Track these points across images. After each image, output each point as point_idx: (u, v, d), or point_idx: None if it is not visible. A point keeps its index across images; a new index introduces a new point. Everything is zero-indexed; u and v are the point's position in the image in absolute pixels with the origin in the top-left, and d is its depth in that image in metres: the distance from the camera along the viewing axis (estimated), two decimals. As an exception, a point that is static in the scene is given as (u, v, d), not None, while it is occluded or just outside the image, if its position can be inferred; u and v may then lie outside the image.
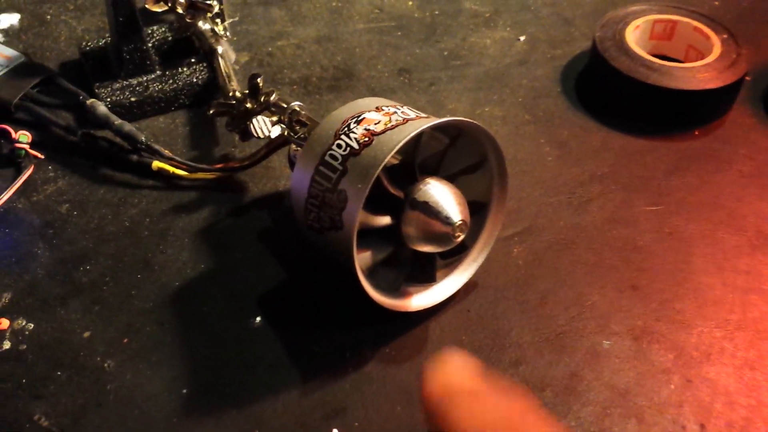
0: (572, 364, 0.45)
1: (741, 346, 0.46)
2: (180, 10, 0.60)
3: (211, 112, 0.55)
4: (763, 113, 0.63)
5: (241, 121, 0.53)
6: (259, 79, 0.53)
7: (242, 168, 0.55)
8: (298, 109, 0.51)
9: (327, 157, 0.43)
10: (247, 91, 0.54)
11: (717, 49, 0.62)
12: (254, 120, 0.51)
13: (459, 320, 0.47)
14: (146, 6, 0.61)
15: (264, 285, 0.49)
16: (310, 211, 0.44)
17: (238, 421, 0.42)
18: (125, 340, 0.46)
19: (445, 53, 0.68)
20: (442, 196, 0.42)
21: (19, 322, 0.47)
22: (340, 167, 0.42)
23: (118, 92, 0.60)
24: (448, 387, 0.30)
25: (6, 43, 0.67)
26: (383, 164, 0.40)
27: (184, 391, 0.43)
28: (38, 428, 0.41)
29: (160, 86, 0.61)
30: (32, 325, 0.46)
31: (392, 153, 0.40)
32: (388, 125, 0.42)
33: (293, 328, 0.46)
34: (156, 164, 0.55)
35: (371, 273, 0.44)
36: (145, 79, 0.61)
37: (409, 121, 0.42)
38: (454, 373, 0.31)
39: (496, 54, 0.68)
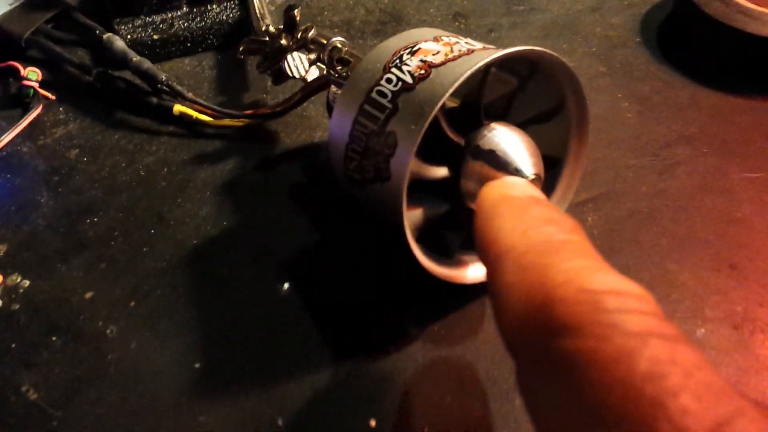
0: (659, 354, 0.37)
1: None
2: (210, -63, 0.53)
3: (240, 49, 0.48)
4: None
5: (274, 60, 0.46)
6: (295, 11, 0.46)
7: (274, 115, 0.48)
8: (339, 45, 0.44)
9: (374, 94, 0.35)
10: (281, 26, 0.47)
11: (828, -3, 0.54)
12: (289, 57, 0.44)
13: (522, 296, 0.39)
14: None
15: (294, 248, 0.42)
16: (351, 159, 0.36)
17: (258, 405, 0.35)
18: (132, 304, 0.39)
19: (508, -3, 0.61)
20: (513, 144, 0.35)
21: (14, 278, 0.40)
22: (390, 105, 0.34)
23: (140, 29, 0.54)
24: (502, 193, 0.28)
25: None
26: (443, 100, 0.32)
27: (197, 365, 0.37)
28: (25, 402, 0.35)
29: (186, 24, 0.54)
30: (28, 282, 0.40)
31: (455, 86, 0.32)
32: (450, 56, 0.35)
33: (326, 298, 0.39)
34: (178, 108, 0.48)
35: (422, 236, 0.37)
36: (170, 15, 0.55)
37: (476, 52, 0.35)
38: (515, 185, 0.29)
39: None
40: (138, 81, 0.50)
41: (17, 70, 0.51)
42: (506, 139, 0.35)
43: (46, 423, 0.34)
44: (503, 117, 0.38)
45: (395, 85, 0.35)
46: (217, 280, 0.40)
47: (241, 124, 0.48)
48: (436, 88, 0.33)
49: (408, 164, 0.33)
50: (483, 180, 0.35)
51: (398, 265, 0.36)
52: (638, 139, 0.48)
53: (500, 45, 0.54)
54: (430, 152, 0.35)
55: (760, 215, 0.43)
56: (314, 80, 0.45)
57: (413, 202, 0.36)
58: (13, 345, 0.37)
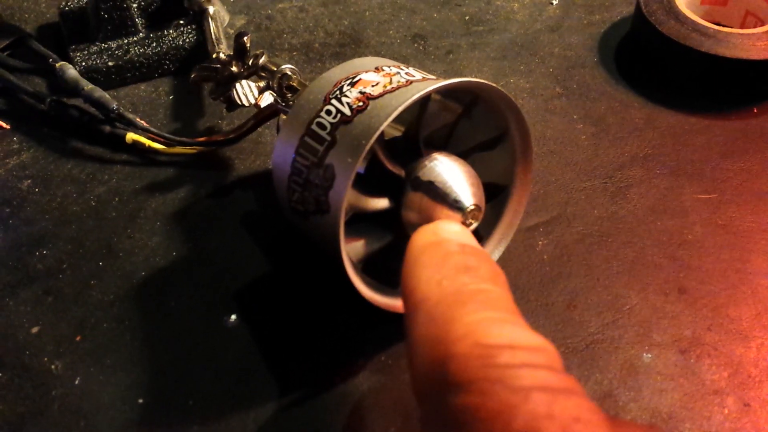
0: (605, 381, 0.37)
1: (813, 364, 0.38)
2: (164, -37, 0.53)
3: (192, 76, 0.48)
4: (835, 89, 0.54)
5: (225, 87, 0.46)
6: (245, 38, 0.46)
7: (227, 142, 0.48)
8: (289, 72, 0.44)
9: (314, 126, 0.35)
10: (232, 53, 0.47)
11: (782, 15, 0.54)
12: (237, 85, 0.44)
13: (470, 324, 0.39)
14: (126, -42, 0.54)
15: (243, 278, 0.41)
16: (294, 191, 0.36)
17: (200, 440, 0.35)
18: (78, 338, 0.39)
19: (467, 18, 0.60)
20: (451, 174, 0.35)
21: (-41, 313, 0.40)
22: (328, 137, 0.34)
23: (95, 56, 0.54)
24: (427, 240, 0.28)
25: (-21, 3, 0.61)
26: (377, 133, 0.32)
27: (140, 401, 0.36)
28: (-35, 442, 0.35)
29: (142, 50, 0.54)
30: (-27, 318, 0.40)
31: (390, 119, 0.32)
32: (388, 87, 0.35)
33: (273, 329, 0.39)
34: (130, 136, 0.48)
35: (366, 267, 0.37)
36: (125, 41, 0.55)
37: (414, 83, 0.35)
38: (444, 231, 0.29)
39: (524, 19, 0.60)
40: (92, 109, 0.50)
41: (-29, 100, 0.51)
42: (445, 169, 0.35)
43: (-16, 464, 0.34)
44: (445, 146, 0.38)
45: (334, 117, 0.35)
46: (164, 313, 0.40)
47: (194, 151, 0.48)
48: (373, 121, 0.33)
49: (344, 197, 0.33)
50: (423, 211, 0.35)
51: (344, 297, 0.36)
52: (591, 161, 0.48)
53: (458, 66, 0.55)
54: (371, 183, 0.35)
55: (712, 237, 0.43)
56: (266, 107, 0.45)
57: (356, 234, 0.36)
58: (-44, 383, 0.37)
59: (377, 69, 0.37)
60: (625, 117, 0.51)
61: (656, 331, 0.39)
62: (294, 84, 0.44)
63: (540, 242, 0.43)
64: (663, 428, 0.31)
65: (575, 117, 0.51)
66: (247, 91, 0.44)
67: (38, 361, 0.38)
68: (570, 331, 0.39)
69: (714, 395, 0.36)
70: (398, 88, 0.34)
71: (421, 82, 0.35)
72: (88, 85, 0.49)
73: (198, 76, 0.47)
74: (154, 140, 0.48)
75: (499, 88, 0.35)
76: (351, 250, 0.36)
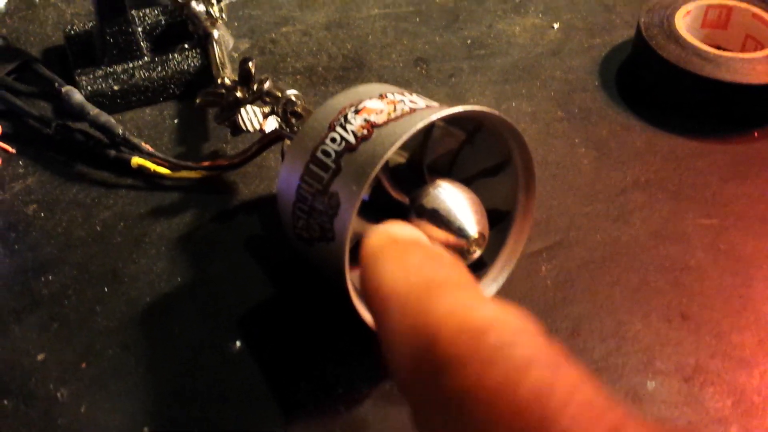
0: (610, 408, 0.37)
1: (816, 391, 0.38)
2: (170, -11, 0.54)
3: (197, 101, 0.48)
4: (835, 113, 0.54)
5: (230, 112, 0.46)
6: (250, 64, 0.46)
7: (231, 167, 0.48)
8: (294, 98, 0.44)
9: (319, 153, 0.36)
10: (237, 78, 0.47)
11: (781, 39, 0.54)
12: (242, 110, 0.44)
13: (474, 351, 0.39)
14: (132, -17, 0.55)
15: (247, 303, 0.42)
16: (299, 218, 0.37)
17: (205, 468, 0.35)
18: (83, 365, 0.39)
19: (469, 42, 0.61)
20: (456, 202, 0.35)
21: (-35, 339, 0.40)
22: (333, 165, 0.35)
23: (101, 80, 0.54)
24: (382, 239, 0.28)
25: (-14, 27, 0.61)
26: (382, 162, 0.32)
27: (145, 429, 0.36)
28: (-30, 470, 0.35)
29: (147, 74, 0.55)
30: (-22, 344, 0.40)
31: (394, 148, 0.32)
32: (392, 115, 0.35)
33: (278, 355, 0.39)
34: (136, 161, 0.48)
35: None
36: (130, 65, 0.55)
37: (417, 111, 0.35)
38: (394, 229, 0.28)
39: (526, 43, 0.61)
40: (97, 133, 0.50)
41: (-23, 124, 0.51)
42: (449, 197, 0.35)
43: (-11, 493, 0.34)
44: (449, 172, 0.38)
45: (339, 145, 0.35)
46: (169, 339, 0.40)
47: (198, 175, 0.48)
48: (377, 149, 0.33)
49: (349, 225, 0.33)
50: (428, 239, 0.35)
51: (349, 324, 0.36)
52: (593, 186, 0.48)
53: (460, 89, 0.55)
54: (375, 210, 0.36)
55: (714, 263, 0.44)
56: (271, 132, 0.46)
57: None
58: (-39, 410, 0.37)
59: (381, 96, 0.37)
60: (626, 141, 0.52)
61: (660, 359, 0.39)
62: (298, 110, 0.44)
63: (543, 267, 0.43)
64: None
65: (577, 141, 0.52)
66: (251, 117, 0.44)
67: (44, 388, 0.38)
68: (574, 358, 0.39)
69: (718, 424, 0.36)
70: (402, 116, 0.35)
71: (425, 110, 0.35)
72: (93, 110, 0.49)
73: (203, 101, 0.48)
74: (159, 164, 0.48)
75: (503, 115, 0.35)
76: (355, 277, 0.36)
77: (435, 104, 0.37)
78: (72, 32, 0.58)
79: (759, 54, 0.53)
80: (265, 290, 0.42)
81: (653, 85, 0.55)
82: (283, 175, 0.37)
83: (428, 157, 0.37)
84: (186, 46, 0.57)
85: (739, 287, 0.43)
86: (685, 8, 0.57)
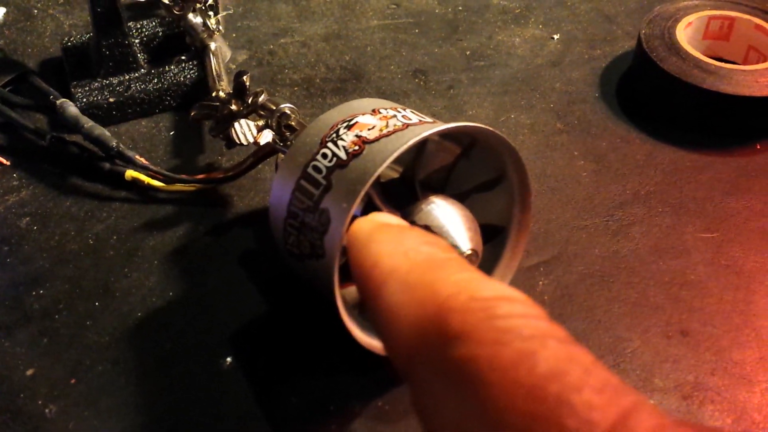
0: (607, 427, 0.36)
1: (819, 410, 0.37)
2: (166, 1, 0.53)
3: (191, 114, 0.48)
4: (838, 125, 0.53)
5: (225, 125, 0.46)
6: (245, 77, 0.46)
7: (226, 179, 0.48)
8: (288, 111, 0.44)
9: (310, 169, 0.35)
10: (231, 92, 0.47)
11: (784, 50, 0.54)
12: (236, 124, 0.44)
13: (469, 368, 0.39)
14: (128, -5, 0.54)
15: (239, 319, 0.41)
16: (290, 234, 0.36)
17: (193, 489, 0.34)
18: (73, 381, 0.39)
19: (468, 53, 0.61)
20: (449, 218, 0.34)
21: (-46, 355, 0.40)
22: (324, 181, 0.34)
23: (96, 92, 0.54)
24: (375, 222, 0.27)
25: (-16, 38, 0.61)
26: (372, 179, 0.32)
27: (134, 447, 0.36)
28: (-45, 489, 0.34)
29: (143, 86, 0.54)
30: (-32, 360, 0.40)
31: (384, 166, 0.32)
32: (384, 131, 0.34)
33: (269, 372, 0.39)
34: (130, 173, 0.48)
35: (361, 310, 0.36)
36: (126, 77, 0.55)
37: (410, 127, 0.35)
38: (385, 216, 0.28)
39: (525, 54, 0.60)
40: (91, 146, 0.50)
41: (-28, 136, 0.51)
42: (442, 213, 0.34)
43: None
44: (443, 187, 0.38)
45: (330, 161, 0.34)
46: (160, 355, 0.40)
47: (193, 188, 0.48)
48: (368, 165, 0.33)
49: (339, 243, 0.32)
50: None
51: (341, 340, 0.36)
52: (593, 199, 0.48)
53: (459, 101, 0.55)
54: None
55: (714, 278, 0.43)
56: (265, 145, 0.45)
57: (352, 277, 0.35)
58: (-52, 427, 0.37)
59: (374, 111, 0.37)
60: (626, 153, 0.51)
61: (658, 376, 0.38)
62: (293, 123, 0.44)
63: (540, 282, 0.43)
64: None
65: (576, 153, 0.51)
66: (245, 131, 0.44)
67: (32, 404, 0.38)
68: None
69: (718, 442, 0.36)
70: (394, 131, 0.34)
71: (418, 126, 0.35)
72: (88, 123, 0.49)
73: (198, 114, 0.47)
74: (153, 177, 0.48)
75: (495, 130, 0.35)
76: (346, 293, 0.35)
77: (429, 120, 0.37)
78: (69, 44, 0.58)
79: (761, 66, 0.52)
80: (258, 306, 0.42)
81: (654, 97, 0.54)
82: (274, 190, 0.37)
83: (422, 172, 0.36)
84: (183, 58, 0.57)
85: (740, 303, 0.42)
86: (687, 19, 0.56)
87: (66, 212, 0.48)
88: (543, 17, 0.64)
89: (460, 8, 0.66)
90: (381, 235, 0.26)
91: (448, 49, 0.61)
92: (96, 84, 0.54)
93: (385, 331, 0.23)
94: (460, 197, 0.37)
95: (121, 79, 0.55)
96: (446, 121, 0.37)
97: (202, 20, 0.56)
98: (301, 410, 0.37)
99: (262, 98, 0.46)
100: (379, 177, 0.33)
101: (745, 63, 0.57)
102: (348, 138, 0.35)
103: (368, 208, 0.35)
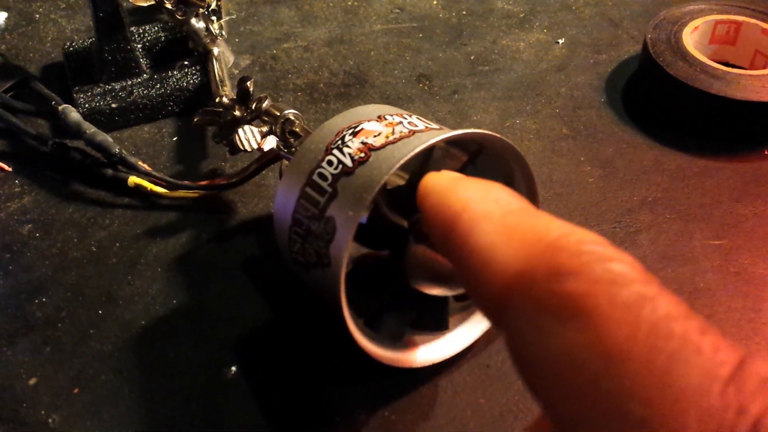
0: (616, 438, 0.36)
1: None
2: (169, 5, 0.53)
3: (195, 120, 0.47)
4: None
5: (228, 131, 0.46)
6: (248, 83, 0.45)
7: (229, 186, 0.47)
8: (292, 117, 0.44)
9: (315, 176, 0.35)
10: (235, 97, 0.46)
11: (791, 55, 0.53)
12: (240, 130, 0.44)
13: (476, 378, 0.38)
14: (130, 0, 0.54)
15: (243, 327, 0.41)
16: (294, 242, 0.36)
17: (197, 501, 0.34)
18: (75, 390, 0.38)
19: (472, 57, 0.60)
20: (456, 226, 0.34)
21: (-44, 364, 0.40)
22: (330, 189, 0.34)
23: (99, 97, 0.53)
24: (454, 174, 0.27)
25: (-15, 43, 0.61)
26: (379, 187, 0.32)
27: (137, 458, 0.35)
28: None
29: (145, 91, 0.54)
30: (-31, 369, 0.39)
31: (390, 173, 0.32)
32: (390, 138, 0.34)
33: (274, 381, 0.38)
34: (132, 180, 0.48)
35: (370, 319, 0.36)
36: (129, 83, 0.54)
37: (416, 133, 0.34)
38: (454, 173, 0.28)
39: (530, 59, 0.60)
40: (94, 152, 0.49)
41: (-26, 142, 0.50)
42: (450, 221, 0.34)
43: None
44: (451, 195, 0.37)
45: (335, 168, 0.34)
46: (163, 364, 0.39)
47: (196, 195, 0.48)
48: (374, 173, 0.32)
49: (346, 251, 0.32)
50: (426, 263, 0.34)
51: (347, 349, 0.35)
52: (599, 205, 0.47)
53: (463, 106, 0.54)
54: (373, 233, 0.35)
55: (724, 285, 0.42)
56: (269, 151, 0.45)
57: (357, 284, 0.35)
58: (-51, 438, 0.36)
59: (380, 118, 0.36)
60: (633, 159, 0.51)
61: (668, 385, 0.38)
62: (297, 129, 0.43)
63: (547, 290, 0.42)
64: None
65: (582, 159, 0.51)
66: (249, 137, 0.44)
67: (35, 414, 0.37)
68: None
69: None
70: (401, 138, 0.34)
71: (424, 133, 0.34)
72: (90, 129, 0.49)
73: (201, 120, 0.47)
74: (156, 184, 0.47)
75: (502, 137, 0.34)
76: (353, 303, 0.35)
77: (435, 126, 0.36)
78: (71, 49, 0.57)
79: (768, 70, 0.52)
80: (262, 314, 0.41)
81: (660, 102, 0.54)
82: (279, 198, 0.37)
83: (428, 179, 0.36)
84: (186, 63, 0.56)
85: (749, 311, 0.41)
86: (693, 24, 0.56)
87: (68, 219, 0.47)
88: (547, 21, 0.64)
89: (464, 12, 0.65)
90: (466, 183, 0.26)
91: (452, 53, 0.61)
92: (98, 89, 0.54)
93: (476, 269, 0.23)
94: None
95: (124, 84, 0.54)
96: (452, 127, 0.36)
97: (204, 25, 0.55)
98: (307, 421, 0.37)
99: (265, 104, 0.45)
100: (385, 184, 0.33)
101: (751, 68, 0.57)
102: (354, 145, 0.34)
103: (374, 215, 0.34)
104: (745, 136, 0.52)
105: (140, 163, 0.48)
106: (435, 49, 0.61)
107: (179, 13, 0.54)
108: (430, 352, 0.38)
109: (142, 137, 0.53)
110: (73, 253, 0.45)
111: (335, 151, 0.35)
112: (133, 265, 0.44)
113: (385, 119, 0.36)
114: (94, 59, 0.55)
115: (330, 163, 0.34)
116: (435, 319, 0.38)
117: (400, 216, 0.35)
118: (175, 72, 0.55)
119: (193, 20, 0.55)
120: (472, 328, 0.39)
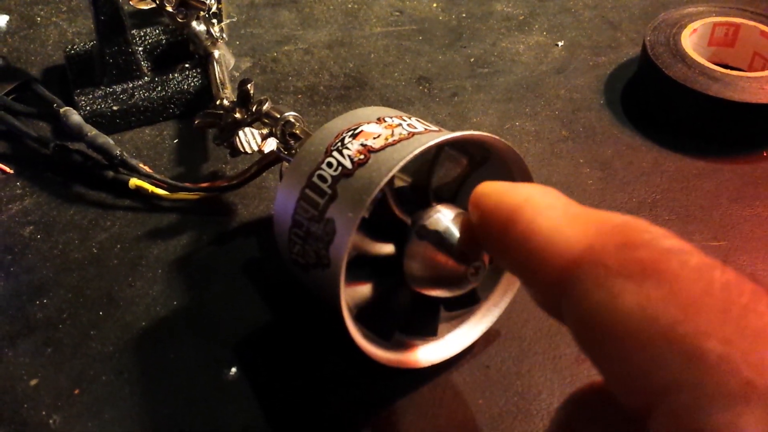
0: (615, 438, 0.36)
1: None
2: (169, 8, 0.53)
3: (195, 123, 0.47)
4: None
5: (229, 133, 0.46)
6: (249, 85, 0.46)
7: (230, 188, 0.47)
8: (292, 120, 0.44)
9: (315, 178, 0.35)
10: (235, 99, 0.46)
11: (790, 57, 0.53)
12: (240, 132, 0.44)
13: (476, 379, 0.38)
14: (131, 2, 0.54)
15: (244, 328, 0.41)
16: (294, 243, 0.36)
17: (198, 501, 0.34)
18: (76, 391, 0.38)
19: (472, 60, 0.60)
20: (459, 227, 0.34)
21: (-42, 365, 0.40)
22: (329, 191, 0.34)
23: (100, 100, 0.54)
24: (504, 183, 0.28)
25: (-13, 46, 0.61)
26: (378, 189, 0.32)
27: (138, 458, 0.36)
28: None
29: (146, 94, 0.54)
30: (-29, 370, 0.39)
31: (390, 175, 0.32)
32: (389, 140, 0.34)
33: (274, 382, 0.38)
34: (133, 182, 0.48)
35: (370, 319, 0.36)
36: (130, 85, 0.55)
37: (416, 135, 0.34)
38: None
39: (529, 61, 0.60)
40: (95, 154, 0.49)
41: (-25, 144, 0.51)
42: (454, 221, 0.34)
43: None
44: (453, 199, 0.37)
45: (335, 170, 0.34)
46: (164, 365, 0.39)
47: (197, 196, 0.48)
48: (374, 175, 0.33)
49: (345, 252, 0.32)
50: (427, 261, 0.34)
51: (347, 350, 0.35)
52: (599, 207, 0.46)
53: (463, 108, 0.54)
54: (377, 230, 0.35)
55: (722, 286, 0.43)
56: (269, 153, 0.45)
57: (355, 279, 0.35)
58: (-49, 438, 0.36)
59: (379, 120, 0.36)
60: (632, 161, 0.51)
61: (666, 386, 0.38)
62: (297, 132, 0.44)
63: (546, 292, 0.42)
64: None
65: (581, 161, 0.51)
66: (249, 139, 0.44)
67: (36, 415, 0.38)
68: (579, 385, 0.38)
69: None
70: (400, 140, 0.34)
71: (424, 135, 0.35)
72: (91, 131, 0.49)
73: (201, 122, 0.47)
74: (157, 186, 0.48)
75: (501, 139, 0.34)
76: (350, 298, 0.35)
77: (434, 128, 0.36)
78: (72, 51, 0.58)
79: (767, 73, 0.52)
80: (263, 315, 0.42)
81: (659, 104, 0.54)
82: (279, 199, 0.37)
83: (434, 181, 0.36)
84: (186, 65, 0.56)
85: (748, 312, 0.41)
86: (692, 26, 0.56)
87: (69, 221, 0.47)
88: (547, 24, 0.64)
89: (464, 15, 0.66)
90: (524, 184, 0.27)
91: (452, 56, 0.61)
92: (99, 92, 0.54)
93: (539, 250, 0.24)
94: (466, 206, 0.37)
95: (125, 87, 0.54)
96: (451, 129, 0.36)
97: (205, 28, 0.56)
98: (307, 422, 0.37)
99: (266, 106, 0.45)
100: (392, 181, 0.33)
101: (750, 69, 0.57)
102: (353, 147, 0.35)
103: (379, 208, 0.34)
104: (743, 137, 0.52)
105: (141, 165, 0.48)
106: (435, 52, 0.61)
107: (180, 16, 0.54)
108: (429, 353, 0.38)
109: (143, 139, 0.54)
110: (75, 254, 0.45)
111: (335, 153, 0.35)
112: (134, 267, 0.44)
113: (385, 121, 0.36)
114: (95, 62, 0.55)
115: (330, 164, 0.35)
116: (424, 324, 0.38)
117: (405, 213, 0.35)
118: (175, 75, 0.56)
119: (194, 23, 0.55)
120: (472, 329, 0.39)
